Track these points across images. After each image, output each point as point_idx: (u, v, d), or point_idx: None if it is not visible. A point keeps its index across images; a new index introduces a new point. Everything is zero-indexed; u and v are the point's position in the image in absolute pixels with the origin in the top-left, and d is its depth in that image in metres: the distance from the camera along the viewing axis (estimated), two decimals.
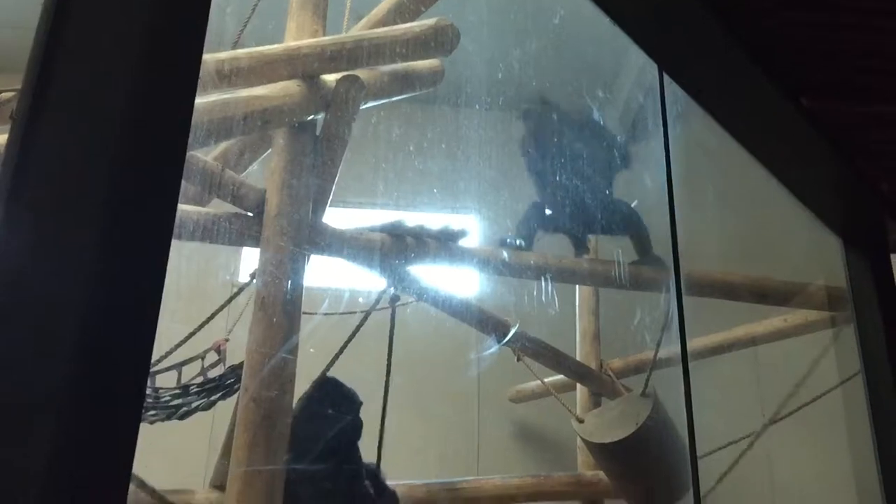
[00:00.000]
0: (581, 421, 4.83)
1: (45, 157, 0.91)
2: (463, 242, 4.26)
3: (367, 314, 4.01)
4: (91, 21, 0.98)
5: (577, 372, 5.30)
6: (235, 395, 3.63)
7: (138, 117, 0.96)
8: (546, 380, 5.30)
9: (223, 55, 3.62)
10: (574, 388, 5.47)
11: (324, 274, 4.92)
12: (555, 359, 5.10)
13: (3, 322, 0.81)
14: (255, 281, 3.62)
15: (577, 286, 5.51)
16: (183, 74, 1.03)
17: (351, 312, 4.17)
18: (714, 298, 4.55)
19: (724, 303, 4.65)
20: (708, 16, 2.10)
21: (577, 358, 5.43)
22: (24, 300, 0.83)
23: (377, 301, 4.06)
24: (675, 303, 2.80)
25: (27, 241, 0.86)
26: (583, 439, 4.87)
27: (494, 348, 4.75)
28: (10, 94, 3.56)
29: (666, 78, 2.24)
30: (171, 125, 1.00)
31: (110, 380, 0.84)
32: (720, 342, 5.11)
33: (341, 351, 3.83)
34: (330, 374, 3.83)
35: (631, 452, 4.50)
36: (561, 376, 5.43)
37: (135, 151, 0.94)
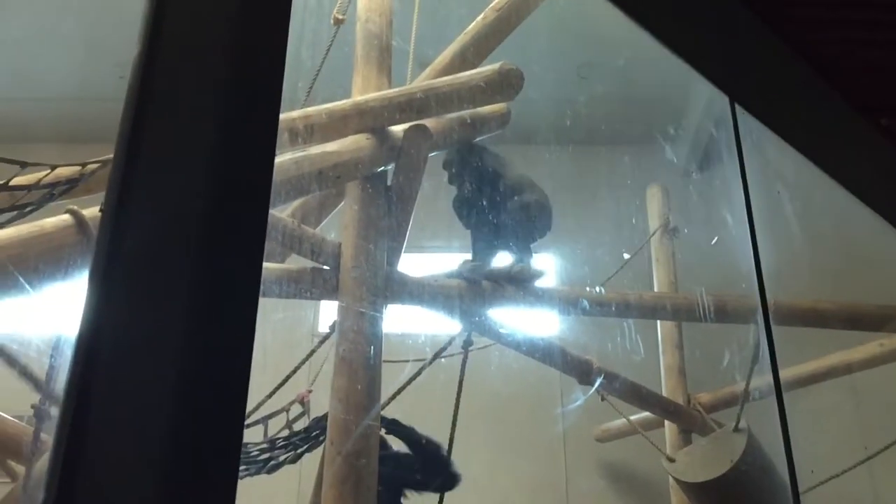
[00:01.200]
0: (672, 460, 4.69)
1: (135, 233, 0.95)
2: (540, 283, 4.22)
3: (433, 357, 4.02)
4: (172, 95, 1.02)
5: (665, 408, 5.17)
6: (321, 447, 3.65)
7: (221, 186, 0.99)
8: (632, 417, 5.18)
9: (295, 114, 3.71)
10: (662, 425, 5.33)
11: (402, 319, 4.94)
12: (640, 396, 4.99)
13: (107, 388, 0.84)
14: (334, 332, 3.66)
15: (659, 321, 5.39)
16: (261, 141, 1.06)
17: (438, 358, 4.16)
18: (805, 327, 4.39)
19: (817, 330, 4.48)
20: (777, 44, 2.06)
21: (664, 394, 5.29)
22: (120, 371, 0.86)
23: (446, 346, 4.06)
24: (764, 333, 2.72)
25: (121, 316, 0.89)
26: (675, 479, 4.72)
27: (580, 401, 4.68)
28: (95, 166, 3.72)
29: (738, 108, 2.20)
30: (253, 191, 1.03)
31: (207, 440, 0.86)
32: (814, 371, 4.91)
33: (396, 394, 3.86)
34: (408, 420, 3.84)
35: (727, 491, 4.34)
36: (648, 413, 5.30)
37: (219, 220, 0.97)
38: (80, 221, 2.74)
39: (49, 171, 3.64)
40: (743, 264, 2.50)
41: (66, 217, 2.80)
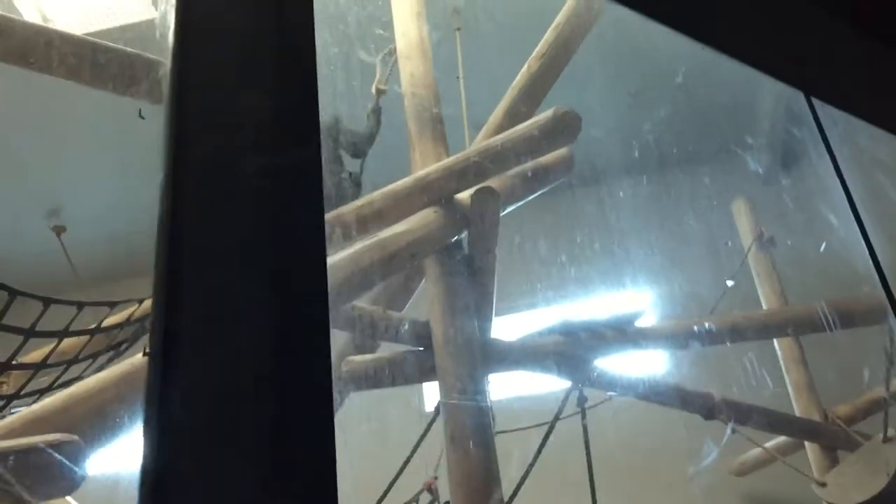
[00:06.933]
0: (823, 484, 4.35)
1: (187, 384, 0.87)
2: (640, 322, 4.04)
3: (552, 423, 3.83)
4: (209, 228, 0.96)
5: (802, 429, 4.83)
6: None
7: (280, 315, 0.91)
8: (768, 444, 4.85)
9: (359, 202, 3.68)
10: (803, 448, 4.97)
11: (507, 386, 4.80)
12: (772, 420, 4.67)
13: None
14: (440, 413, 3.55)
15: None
16: (312, 242, 0.98)
17: (543, 424, 3.98)
18: None
19: None
20: (842, 25, 1.91)
21: (797, 413, 4.95)
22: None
23: (562, 407, 3.87)
24: None
25: (179, 462, 0.81)
26: None
27: (713, 454, 4.41)
28: (134, 307, 3.73)
29: (815, 101, 2.04)
30: (310, 310, 0.94)
31: None
32: None
33: (529, 469, 3.66)
34: (538, 492, 3.66)
35: None
36: (784, 437, 4.96)
37: (281, 340, 0.89)
38: None
39: (137, 305, 3.70)
40: (859, 263, 2.30)
41: None
